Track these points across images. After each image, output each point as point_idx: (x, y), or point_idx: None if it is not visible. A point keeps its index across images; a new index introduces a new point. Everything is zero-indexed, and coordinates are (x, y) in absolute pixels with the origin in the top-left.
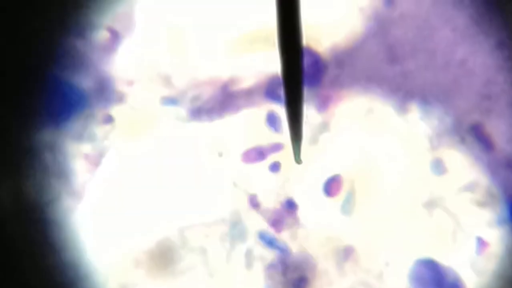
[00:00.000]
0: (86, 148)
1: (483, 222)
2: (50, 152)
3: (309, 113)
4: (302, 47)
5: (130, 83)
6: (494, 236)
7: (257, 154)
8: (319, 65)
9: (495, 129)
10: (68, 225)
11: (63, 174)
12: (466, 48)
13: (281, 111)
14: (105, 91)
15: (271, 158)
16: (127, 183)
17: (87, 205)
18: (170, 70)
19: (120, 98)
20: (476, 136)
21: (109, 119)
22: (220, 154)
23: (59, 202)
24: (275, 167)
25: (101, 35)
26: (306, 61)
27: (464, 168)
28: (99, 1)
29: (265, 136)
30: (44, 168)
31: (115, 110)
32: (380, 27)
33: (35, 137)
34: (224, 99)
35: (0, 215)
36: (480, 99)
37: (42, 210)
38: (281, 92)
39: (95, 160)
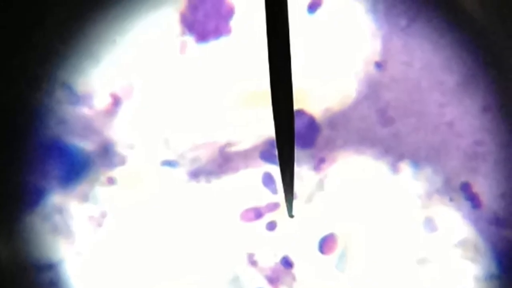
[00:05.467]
0: (88, 209)
1: (473, 278)
2: (54, 213)
3: (304, 173)
4: (293, 110)
5: (131, 146)
6: None
7: (254, 213)
8: (313, 126)
9: (483, 187)
10: (69, 287)
11: (65, 234)
12: (454, 111)
13: (276, 171)
14: (107, 154)
15: (268, 217)
16: (128, 243)
17: (89, 267)
18: (169, 134)
19: (122, 161)
20: (465, 195)
21: (111, 181)
22: (218, 213)
23: (61, 263)
24: (271, 226)
25: (104, 101)
26: (301, 123)
27: (454, 225)
28: (101, 68)
29: (261, 196)
30: (47, 229)
31: (117, 172)
32: (371, 90)
33: (39, 198)
34: (222, 161)
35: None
36: (468, 159)
37: (44, 271)
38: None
39: (97, 222)
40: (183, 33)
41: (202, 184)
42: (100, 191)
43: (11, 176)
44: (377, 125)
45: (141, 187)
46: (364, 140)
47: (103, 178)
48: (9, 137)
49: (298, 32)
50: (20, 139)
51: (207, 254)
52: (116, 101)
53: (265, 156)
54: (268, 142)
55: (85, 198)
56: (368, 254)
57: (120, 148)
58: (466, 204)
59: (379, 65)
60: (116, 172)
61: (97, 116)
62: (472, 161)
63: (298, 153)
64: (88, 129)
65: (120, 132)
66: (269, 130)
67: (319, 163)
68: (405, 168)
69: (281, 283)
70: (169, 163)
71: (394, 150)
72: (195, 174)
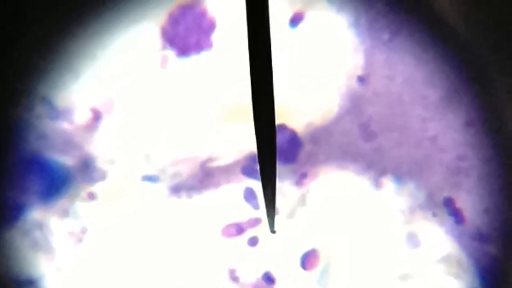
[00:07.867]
0: (68, 225)
1: None
2: (34, 229)
3: (286, 188)
4: (275, 125)
5: (112, 161)
6: None
7: (236, 229)
8: (295, 141)
9: (466, 203)
10: None
11: (46, 250)
12: (437, 125)
13: (258, 186)
14: (88, 170)
15: (250, 233)
16: (109, 259)
17: (69, 283)
18: (150, 149)
19: (102, 176)
20: (448, 210)
21: (91, 197)
22: (199, 229)
23: (41, 279)
24: (253, 241)
25: (84, 115)
26: (283, 138)
27: (437, 241)
28: (81, 82)
29: (243, 212)
30: (27, 245)
31: (98, 188)
32: (354, 104)
33: (19, 214)
34: (203, 176)
35: None
36: (451, 174)
37: (24, 287)
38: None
39: (78, 237)
40: (164, 48)
41: (183, 200)
42: (81, 206)
43: None
44: (360, 140)
45: (122, 203)
46: (346, 155)
47: (83, 193)
48: None
49: (280, 46)
50: (0, 154)
51: (189, 270)
52: (97, 116)
53: (247, 171)
54: (249, 157)
55: (65, 213)
56: (351, 270)
57: (101, 163)
58: (449, 220)
59: (361, 79)
60: (97, 187)
61: (77, 131)
62: (455, 176)
63: (280, 168)
64: (68, 144)
65: (100, 147)
66: (250, 145)
67: (301, 178)
68: (388, 183)
69: None
70: (150, 178)
71: (377, 165)
72: (176, 189)
